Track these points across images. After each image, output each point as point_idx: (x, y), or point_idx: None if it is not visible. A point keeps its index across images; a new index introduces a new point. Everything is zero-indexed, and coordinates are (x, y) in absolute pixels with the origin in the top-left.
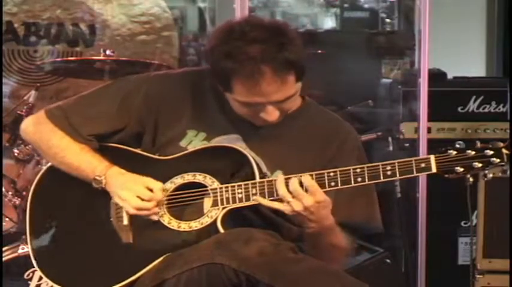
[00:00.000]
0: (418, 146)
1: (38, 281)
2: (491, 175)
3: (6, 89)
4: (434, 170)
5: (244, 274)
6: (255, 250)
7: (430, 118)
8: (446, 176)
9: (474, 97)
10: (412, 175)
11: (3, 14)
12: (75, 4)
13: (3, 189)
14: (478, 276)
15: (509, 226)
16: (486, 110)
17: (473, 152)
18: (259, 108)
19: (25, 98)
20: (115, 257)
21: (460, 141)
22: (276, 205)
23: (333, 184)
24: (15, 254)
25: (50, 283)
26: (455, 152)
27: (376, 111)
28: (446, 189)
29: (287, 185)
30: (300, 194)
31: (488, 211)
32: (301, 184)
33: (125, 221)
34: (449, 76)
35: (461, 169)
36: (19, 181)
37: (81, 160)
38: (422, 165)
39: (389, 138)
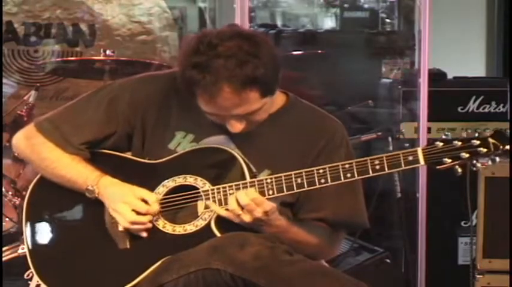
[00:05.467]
0: (418, 146)
1: (38, 281)
2: (479, 165)
3: (6, 89)
4: (422, 162)
5: (240, 278)
6: (250, 254)
7: (430, 118)
8: (438, 167)
9: (474, 97)
10: (401, 168)
11: (3, 14)
12: (75, 4)
13: (3, 189)
14: (478, 276)
15: (509, 226)
16: (486, 110)
17: (460, 143)
18: (223, 119)
19: (25, 98)
20: (113, 263)
21: (447, 133)
22: (225, 214)
23: (322, 181)
24: (15, 254)
25: None
26: (442, 144)
27: (376, 111)
28: (446, 189)
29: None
30: (250, 207)
31: (488, 211)
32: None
33: (120, 227)
34: (449, 76)
35: (449, 160)
36: (19, 181)
37: (73, 171)
38: (410, 158)
39: (389, 138)
